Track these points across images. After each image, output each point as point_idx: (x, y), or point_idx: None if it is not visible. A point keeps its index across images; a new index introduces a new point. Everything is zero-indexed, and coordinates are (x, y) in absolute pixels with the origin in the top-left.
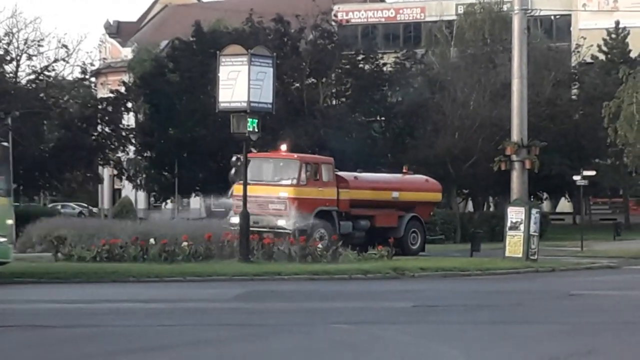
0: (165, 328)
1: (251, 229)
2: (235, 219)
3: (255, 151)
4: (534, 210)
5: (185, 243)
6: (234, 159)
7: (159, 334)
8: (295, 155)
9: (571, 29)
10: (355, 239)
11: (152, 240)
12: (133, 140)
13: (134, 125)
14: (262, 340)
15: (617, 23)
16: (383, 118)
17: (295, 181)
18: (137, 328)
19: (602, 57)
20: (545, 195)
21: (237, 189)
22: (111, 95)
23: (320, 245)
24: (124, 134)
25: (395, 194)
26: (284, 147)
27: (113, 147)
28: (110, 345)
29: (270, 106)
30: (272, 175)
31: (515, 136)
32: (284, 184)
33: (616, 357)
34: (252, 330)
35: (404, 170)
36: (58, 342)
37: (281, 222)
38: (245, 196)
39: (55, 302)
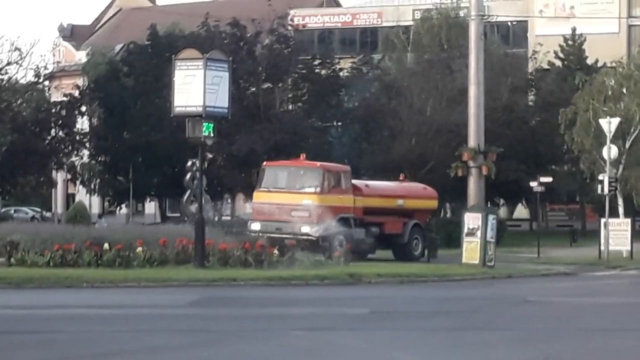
0: (119, 334)
1: (273, 235)
2: (256, 226)
3: (210, 156)
4: (490, 217)
5: (140, 248)
6: (189, 163)
7: (112, 340)
8: (318, 163)
9: (528, 35)
10: (366, 246)
11: (106, 246)
12: (87, 145)
13: (88, 130)
14: (218, 347)
15: (574, 30)
16: (339, 123)
17: (319, 189)
18: (90, 334)
19: (558, 63)
20: (502, 201)
21: (257, 195)
22: (65, 99)
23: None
24: (77, 138)
25: (400, 202)
26: (303, 155)
27: (67, 151)
28: (63, 351)
29: (226, 111)
30: (293, 182)
31: (472, 142)
32: (307, 192)
33: None
34: (207, 337)
35: (401, 178)
36: (10, 348)
37: (306, 229)
38: (200, 204)
39: (7, 307)
